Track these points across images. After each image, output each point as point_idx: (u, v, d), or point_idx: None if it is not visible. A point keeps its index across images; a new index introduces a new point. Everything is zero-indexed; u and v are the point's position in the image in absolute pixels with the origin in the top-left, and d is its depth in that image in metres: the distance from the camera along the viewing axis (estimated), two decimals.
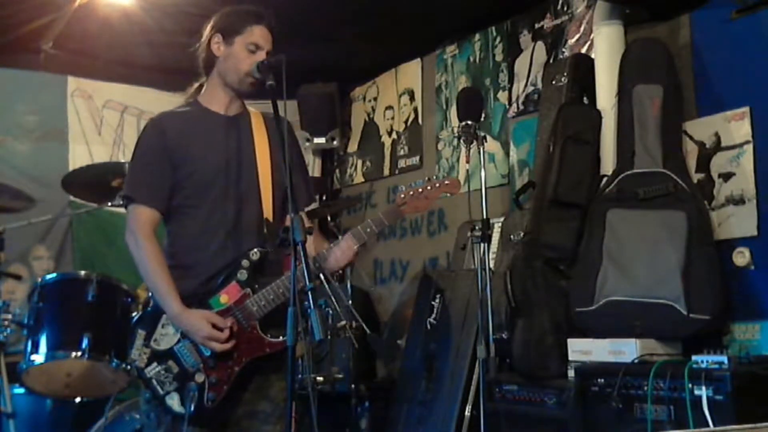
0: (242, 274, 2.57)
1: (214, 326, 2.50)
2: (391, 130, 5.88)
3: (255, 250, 2.59)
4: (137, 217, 2.60)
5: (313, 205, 3.84)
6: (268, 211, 2.65)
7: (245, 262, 2.58)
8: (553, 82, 4.29)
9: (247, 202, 2.64)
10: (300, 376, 3.77)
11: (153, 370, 2.55)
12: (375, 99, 6.06)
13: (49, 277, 3.96)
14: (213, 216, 2.61)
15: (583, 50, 4.36)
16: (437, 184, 2.65)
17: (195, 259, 2.61)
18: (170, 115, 2.73)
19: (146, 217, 2.60)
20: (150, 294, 2.68)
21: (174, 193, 2.63)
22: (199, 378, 2.52)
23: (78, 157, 5.39)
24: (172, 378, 2.54)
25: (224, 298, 2.56)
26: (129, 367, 2.63)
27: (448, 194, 2.70)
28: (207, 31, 2.71)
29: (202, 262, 2.60)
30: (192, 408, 2.49)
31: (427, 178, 2.66)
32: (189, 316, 2.51)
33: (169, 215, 2.65)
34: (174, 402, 2.52)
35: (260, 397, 2.61)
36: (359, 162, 6.18)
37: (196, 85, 2.79)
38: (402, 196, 2.63)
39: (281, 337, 2.54)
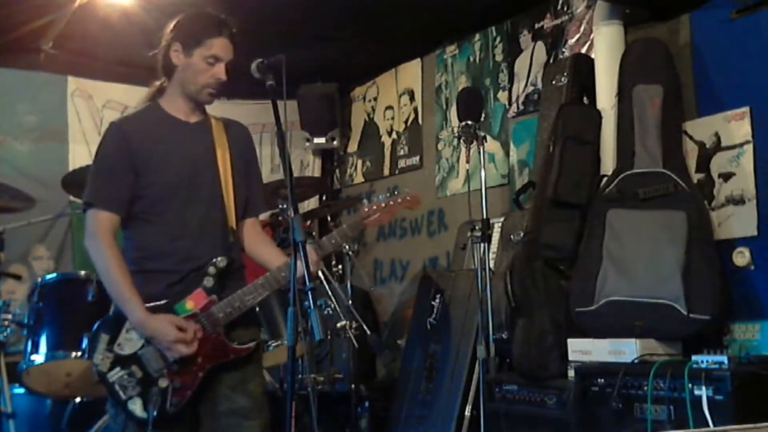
0: (208, 281, 2.58)
1: (180, 329, 2.49)
2: (391, 130, 5.88)
3: (221, 257, 2.59)
4: (98, 222, 2.56)
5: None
6: (231, 218, 2.66)
7: (211, 269, 2.58)
8: (553, 82, 4.29)
9: (211, 208, 2.64)
10: (299, 375, 3.77)
11: (116, 374, 2.53)
12: (375, 99, 6.06)
13: (49, 277, 3.96)
14: (177, 222, 2.60)
15: (583, 50, 4.36)
16: (399, 200, 2.72)
17: (160, 265, 2.60)
18: (133, 119, 2.71)
19: (107, 222, 2.57)
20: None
21: (136, 200, 2.60)
22: (163, 383, 2.51)
23: (78, 157, 5.38)
24: (135, 383, 2.52)
25: (190, 304, 2.57)
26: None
27: (411, 209, 2.78)
28: (167, 36, 2.66)
29: (168, 268, 2.59)
30: (155, 413, 2.47)
31: (388, 193, 2.73)
32: (154, 321, 2.50)
33: (130, 221, 2.62)
34: (136, 407, 2.51)
35: (239, 392, 2.61)
36: (359, 162, 6.18)
37: (157, 84, 2.72)
38: (366, 209, 2.69)
39: (245, 344, 2.58)
